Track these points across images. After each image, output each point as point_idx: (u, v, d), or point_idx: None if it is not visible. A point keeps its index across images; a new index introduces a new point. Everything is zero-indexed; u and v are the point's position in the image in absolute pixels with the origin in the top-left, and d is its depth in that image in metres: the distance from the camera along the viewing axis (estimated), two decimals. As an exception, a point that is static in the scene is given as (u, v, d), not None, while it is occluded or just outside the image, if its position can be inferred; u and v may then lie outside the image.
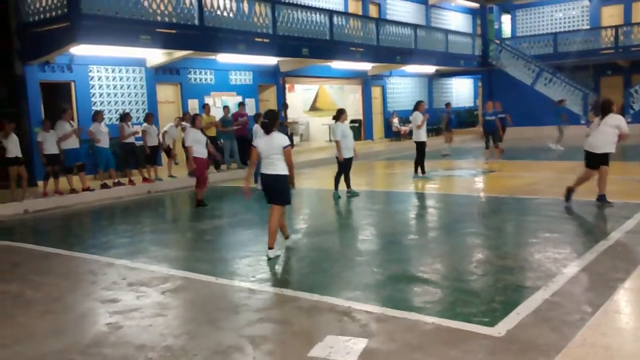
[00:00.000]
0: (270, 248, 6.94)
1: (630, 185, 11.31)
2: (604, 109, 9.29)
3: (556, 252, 6.61)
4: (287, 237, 7.54)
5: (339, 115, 11.19)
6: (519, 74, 26.83)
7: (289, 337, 4.49)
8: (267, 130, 6.88)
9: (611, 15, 29.53)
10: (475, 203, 10.62)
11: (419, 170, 13.49)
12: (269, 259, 6.88)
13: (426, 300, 5.22)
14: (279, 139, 6.84)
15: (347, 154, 11.18)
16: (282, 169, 6.87)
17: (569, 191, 9.52)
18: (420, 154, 13.44)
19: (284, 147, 6.79)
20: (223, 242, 8.42)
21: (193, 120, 10.96)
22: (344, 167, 11.27)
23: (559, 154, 17.15)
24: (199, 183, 10.89)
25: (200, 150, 10.58)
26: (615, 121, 9.07)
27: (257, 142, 7.00)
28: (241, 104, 17.00)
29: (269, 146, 6.83)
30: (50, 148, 12.06)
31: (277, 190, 6.96)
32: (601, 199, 9.20)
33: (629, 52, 26.39)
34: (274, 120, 6.98)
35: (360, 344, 4.24)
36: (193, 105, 17.52)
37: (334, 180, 11.33)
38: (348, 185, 11.39)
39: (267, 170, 6.95)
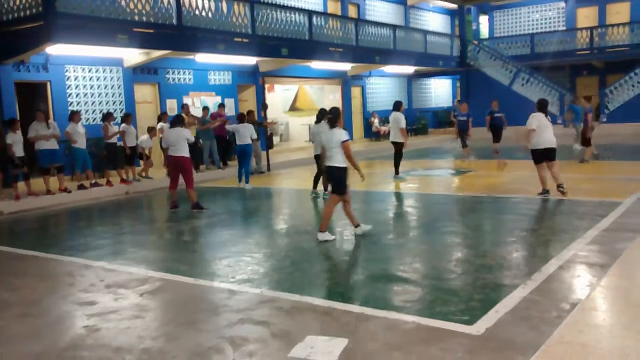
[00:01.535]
0: (321, 231, 7.61)
1: (606, 183, 11.46)
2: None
3: (534, 250, 6.69)
4: (356, 226, 7.83)
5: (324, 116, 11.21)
6: (497, 75, 27.10)
7: (269, 337, 4.47)
8: (331, 124, 7.58)
9: (586, 16, 29.97)
10: (453, 202, 10.69)
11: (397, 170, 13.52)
12: (320, 241, 7.50)
13: (406, 299, 5.24)
14: (339, 134, 7.51)
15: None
16: (339, 162, 7.50)
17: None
18: (399, 155, 13.46)
19: (343, 142, 7.43)
20: (202, 242, 8.37)
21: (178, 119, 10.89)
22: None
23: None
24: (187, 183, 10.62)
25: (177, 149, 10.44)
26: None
27: (321, 137, 7.83)
28: (221, 105, 16.93)
29: (330, 140, 7.52)
30: (20, 150, 11.83)
31: (335, 181, 7.62)
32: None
33: (603, 53, 26.81)
34: (337, 116, 7.67)
35: (341, 343, 4.23)
36: (171, 105, 17.37)
37: (314, 181, 11.37)
38: (315, 186, 11.44)
39: (327, 162, 7.64)
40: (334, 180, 7.64)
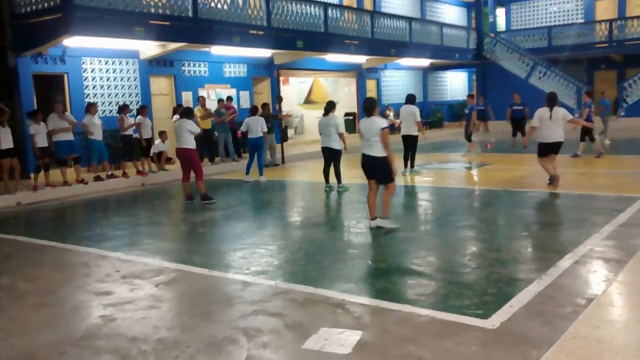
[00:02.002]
0: (382, 217, 7.66)
1: (623, 178, 11.34)
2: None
3: (549, 245, 6.64)
4: (373, 219, 7.76)
5: (332, 107, 11.19)
6: (514, 68, 26.85)
7: (283, 329, 4.49)
8: (369, 113, 7.59)
9: (605, 9, 29.55)
10: (468, 196, 10.64)
11: (409, 164, 13.37)
12: (379, 227, 7.60)
13: (420, 292, 5.23)
14: (378, 121, 7.51)
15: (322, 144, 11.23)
16: (378, 151, 7.46)
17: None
18: (413, 149, 13.40)
19: (382, 129, 7.40)
20: (217, 234, 8.41)
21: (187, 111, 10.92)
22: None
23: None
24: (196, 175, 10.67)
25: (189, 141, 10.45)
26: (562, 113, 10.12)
27: (359, 126, 7.75)
28: (228, 98, 16.92)
29: (369, 129, 7.48)
30: (42, 141, 11.99)
31: (377, 171, 7.58)
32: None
33: (622, 46, 26.41)
34: (374, 105, 7.70)
35: (354, 336, 4.24)
36: (187, 97, 17.44)
37: (337, 175, 11.28)
38: (328, 179, 11.40)
39: (366, 151, 7.58)
40: (376, 170, 7.58)
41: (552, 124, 10.04)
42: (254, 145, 13.17)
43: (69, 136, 12.46)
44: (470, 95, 17.64)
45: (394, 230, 7.57)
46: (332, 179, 11.33)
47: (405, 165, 13.34)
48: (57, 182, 12.40)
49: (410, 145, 13.22)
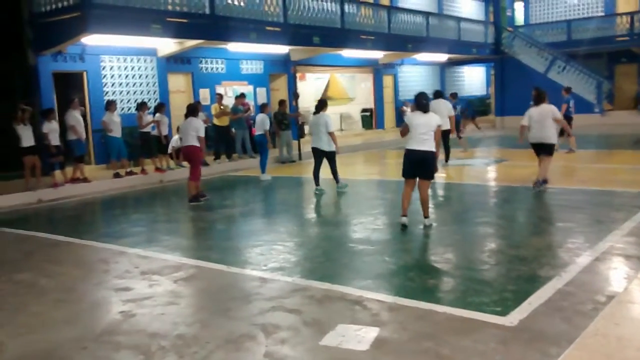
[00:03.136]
0: (426, 217, 7.60)
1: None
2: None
3: (569, 242, 6.57)
4: (427, 216, 7.66)
5: (323, 106, 10.83)
6: (532, 62, 26.55)
7: (301, 325, 4.50)
8: (425, 109, 7.44)
9: (626, 1, 29.07)
10: (486, 192, 10.57)
11: (442, 158, 13.41)
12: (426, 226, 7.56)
13: (438, 289, 5.22)
14: (436, 118, 7.49)
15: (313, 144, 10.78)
16: (431, 146, 7.38)
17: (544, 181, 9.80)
18: (447, 142, 13.44)
19: (438, 125, 7.41)
20: (234, 231, 8.44)
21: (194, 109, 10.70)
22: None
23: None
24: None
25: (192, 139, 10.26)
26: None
27: (413, 121, 7.45)
28: (242, 95, 16.92)
29: (425, 124, 7.35)
30: (55, 139, 12.09)
31: (425, 166, 7.44)
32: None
33: (644, 40, 26.01)
34: (428, 101, 7.63)
35: (372, 332, 4.24)
36: (204, 94, 17.51)
37: (334, 174, 10.88)
38: (318, 182, 10.89)
39: (418, 146, 7.37)
40: (424, 166, 7.41)
41: (538, 123, 9.58)
42: (257, 143, 13.33)
43: (83, 134, 12.68)
44: (453, 95, 17.55)
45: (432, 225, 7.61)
46: (325, 181, 10.99)
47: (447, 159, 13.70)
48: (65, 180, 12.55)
49: (442, 140, 13.10)
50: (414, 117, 7.50)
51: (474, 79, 32.75)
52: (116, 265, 6.60)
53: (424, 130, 7.32)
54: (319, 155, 10.70)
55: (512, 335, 4.09)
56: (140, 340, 4.39)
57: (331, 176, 10.82)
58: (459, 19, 26.34)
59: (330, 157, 10.62)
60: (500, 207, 9.14)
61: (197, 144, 10.20)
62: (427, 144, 7.34)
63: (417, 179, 7.48)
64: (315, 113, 10.77)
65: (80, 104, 13.41)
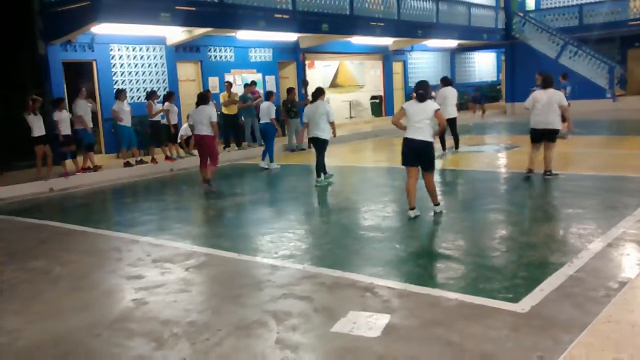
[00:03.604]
0: (435, 205, 7.57)
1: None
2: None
3: (580, 228, 6.53)
4: (437, 204, 7.63)
5: (320, 94, 10.48)
6: (543, 47, 26.26)
7: (312, 312, 4.52)
8: (422, 99, 7.33)
9: (639, -16, 28.65)
10: (497, 179, 10.52)
11: (452, 145, 13.51)
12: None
13: (449, 276, 5.21)
14: (432, 105, 7.37)
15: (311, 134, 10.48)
16: (429, 136, 7.28)
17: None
18: (454, 129, 13.41)
19: (437, 110, 7.29)
20: (245, 218, 8.46)
21: (205, 97, 10.61)
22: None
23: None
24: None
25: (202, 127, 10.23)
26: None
27: (409, 111, 7.37)
28: (253, 82, 16.89)
29: (422, 112, 7.26)
30: (66, 128, 12.15)
31: (425, 157, 7.34)
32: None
33: (658, 23, 25.65)
34: (428, 89, 7.50)
35: (383, 319, 4.25)
36: (213, 83, 17.51)
37: (318, 165, 10.65)
38: (319, 173, 10.59)
39: (414, 135, 7.28)
40: (424, 156, 7.30)
41: (546, 107, 9.29)
42: (263, 131, 13.33)
43: (90, 123, 12.76)
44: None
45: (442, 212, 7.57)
46: (331, 168, 10.94)
47: (457, 147, 13.64)
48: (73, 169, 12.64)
49: (450, 127, 13.06)
50: (409, 106, 7.42)
51: (484, 65, 32.50)
52: (128, 254, 6.64)
53: (419, 119, 7.23)
54: (319, 144, 10.52)
55: (524, 322, 4.09)
56: (153, 327, 4.43)
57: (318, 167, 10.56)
58: (469, 4, 26.08)
59: (325, 145, 10.41)
60: (510, 194, 9.09)
61: (211, 134, 10.17)
62: (423, 133, 7.22)
63: (421, 170, 7.41)
64: (312, 102, 10.49)
65: (89, 94, 13.45)
